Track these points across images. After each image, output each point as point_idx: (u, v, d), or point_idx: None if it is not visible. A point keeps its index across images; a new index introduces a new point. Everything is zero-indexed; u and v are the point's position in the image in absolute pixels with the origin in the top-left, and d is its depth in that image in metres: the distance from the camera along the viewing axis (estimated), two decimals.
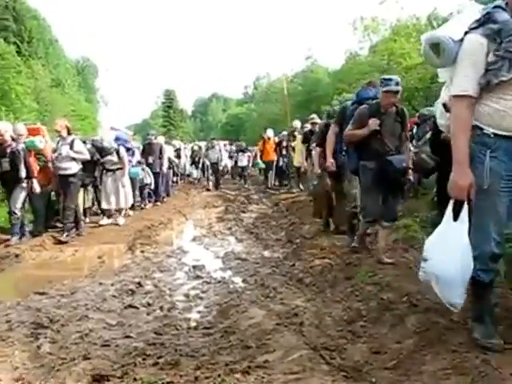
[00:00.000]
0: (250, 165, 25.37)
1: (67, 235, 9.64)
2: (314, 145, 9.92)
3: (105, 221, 11.52)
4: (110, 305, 5.65)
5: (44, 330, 4.68)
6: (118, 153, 11.45)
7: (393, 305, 4.72)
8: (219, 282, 6.71)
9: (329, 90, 35.67)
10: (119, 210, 11.84)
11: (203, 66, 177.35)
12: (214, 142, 22.18)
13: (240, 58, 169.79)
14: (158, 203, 15.47)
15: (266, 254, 8.47)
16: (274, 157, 19.53)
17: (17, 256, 8.31)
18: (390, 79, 6.30)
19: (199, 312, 5.52)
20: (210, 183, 21.76)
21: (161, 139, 17.34)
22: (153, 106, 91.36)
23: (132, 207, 13.18)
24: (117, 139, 11.78)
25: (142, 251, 8.91)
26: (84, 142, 10.97)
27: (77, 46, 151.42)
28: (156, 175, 15.12)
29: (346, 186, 8.13)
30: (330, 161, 7.83)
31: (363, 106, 6.64)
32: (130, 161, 12.30)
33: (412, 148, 6.64)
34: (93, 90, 61.92)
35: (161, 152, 15.52)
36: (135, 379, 3.52)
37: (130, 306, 5.64)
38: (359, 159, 6.63)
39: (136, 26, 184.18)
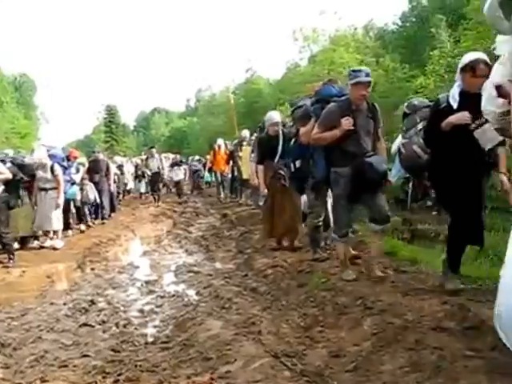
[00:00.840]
0: (186, 178, 25.27)
1: (13, 260, 9.34)
2: (253, 161, 10.03)
3: (48, 242, 10.67)
4: (64, 324, 5.54)
5: None
6: (52, 171, 10.54)
7: (348, 309, 4.81)
8: (173, 295, 6.68)
9: (270, 100, 36.03)
10: (55, 233, 10.79)
11: (144, 80, 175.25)
12: (153, 151, 21.03)
13: (181, 70, 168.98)
14: (105, 220, 14.78)
15: (218, 265, 8.47)
16: (226, 168, 18.40)
17: None
18: (360, 70, 5.87)
19: (155, 326, 5.48)
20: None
21: (101, 156, 16.16)
22: (95, 122, 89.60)
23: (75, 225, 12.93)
24: (51, 156, 10.91)
25: (93, 268, 8.79)
26: (2, 161, 10.23)
27: (12, 61, 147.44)
28: (101, 192, 14.41)
29: (310, 200, 7.29)
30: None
31: (331, 104, 5.91)
32: (67, 180, 11.54)
33: (401, 139, 5.98)
34: (32, 107, 60.50)
35: (107, 169, 15.10)
36: None
37: (85, 324, 5.54)
38: (329, 166, 5.99)
39: (75, 40, 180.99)
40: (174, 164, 23.70)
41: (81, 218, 13.48)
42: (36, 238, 11.02)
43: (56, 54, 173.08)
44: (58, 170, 10.62)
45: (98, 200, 14.28)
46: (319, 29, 28.81)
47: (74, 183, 12.22)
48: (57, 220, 10.65)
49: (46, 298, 6.86)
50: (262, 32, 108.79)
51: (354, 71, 5.88)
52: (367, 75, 5.74)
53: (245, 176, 15.35)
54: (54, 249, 10.35)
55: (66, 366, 4.28)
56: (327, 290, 5.56)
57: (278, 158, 8.19)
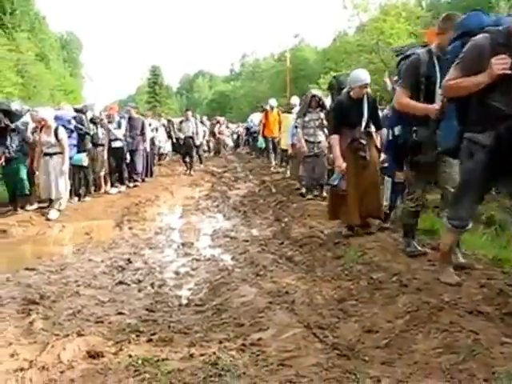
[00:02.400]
0: (205, 141, 23.48)
1: None
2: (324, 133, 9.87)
3: (32, 207, 10.14)
4: (101, 281, 5.66)
5: (35, 306, 4.67)
6: (56, 134, 9.82)
7: (383, 284, 4.77)
8: (209, 259, 6.73)
9: (316, 68, 35.65)
10: (52, 202, 9.91)
11: (190, 42, 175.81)
12: (189, 114, 18.36)
13: (227, 34, 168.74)
14: (138, 184, 14.24)
15: (255, 232, 8.50)
16: (278, 133, 16.05)
17: (4, 232, 8.27)
18: None
19: (190, 289, 5.55)
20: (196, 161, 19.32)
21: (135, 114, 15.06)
22: (138, 82, 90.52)
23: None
24: (56, 119, 10.30)
25: (130, 228, 8.92)
26: None
27: (60, 19, 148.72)
28: (134, 153, 14.00)
29: (409, 178, 5.66)
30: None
31: (479, 36, 4.03)
32: (74, 145, 10.89)
33: None
34: (78, 65, 61.12)
35: (142, 128, 14.38)
36: (130, 356, 3.54)
37: (121, 282, 5.65)
38: (463, 130, 4.32)
39: (122, 0, 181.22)
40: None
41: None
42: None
43: (103, 14, 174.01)
44: (63, 133, 9.97)
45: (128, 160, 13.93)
46: None
47: (83, 150, 11.46)
48: (62, 188, 9.89)
49: (84, 254, 7.00)
50: None
51: None
52: None
53: (283, 146, 14.75)
54: (47, 219, 9.49)
55: (101, 321, 4.37)
56: (363, 264, 5.51)
57: (364, 125, 6.86)
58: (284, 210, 10.04)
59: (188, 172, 18.13)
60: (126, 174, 13.90)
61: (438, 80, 4.92)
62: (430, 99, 5.00)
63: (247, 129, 24.66)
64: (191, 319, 4.45)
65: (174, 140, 20.51)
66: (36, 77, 36.76)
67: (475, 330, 3.47)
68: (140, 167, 14.60)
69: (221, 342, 3.75)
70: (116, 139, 12.99)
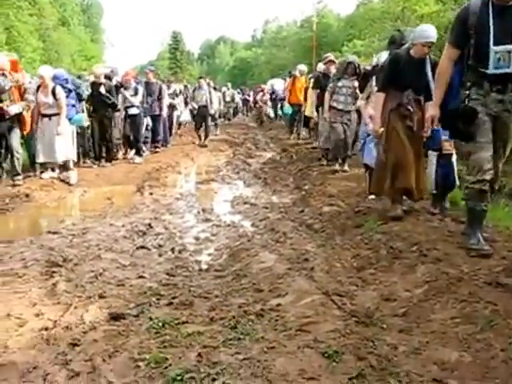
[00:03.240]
0: (222, 107, 22.36)
1: None
2: (368, 93, 8.04)
3: (46, 174, 9.71)
4: (122, 245, 5.71)
5: (58, 269, 4.74)
6: (54, 94, 9.51)
7: (402, 254, 4.77)
8: (229, 225, 6.77)
9: (339, 36, 35.22)
10: (65, 165, 9.91)
11: (211, 7, 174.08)
12: (202, 82, 17.06)
13: (249, 0, 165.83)
14: (158, 150, 14.25)
15: (275, 199, 8.51)
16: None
17: (27, 196, 8.37)
18: None
19: (210, 255, 5.60)
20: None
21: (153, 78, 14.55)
22: (159, 48, 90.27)
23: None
24: (53, 78, 9.87)
25: (151, 193, 8.97)
26: None
27: None
28: (154, 118, 13.79)
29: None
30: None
31: None
32: (72, 105, 10.33)
33: None
34: (99, 31, 60.87)
35: (160, 93, 13.96)
36: (151, 318, 3.61)
37: (142, 247, 5.70)
38: None
39: None
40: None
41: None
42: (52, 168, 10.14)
43: None
44: (61, 92, 9.63)
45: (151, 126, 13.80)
46: None
47: (82, 110, 11.05)
48: (64, 150, 9.65)
49: (105, 218, 7.06)
50: None
51: None
52: None
53: (308, 113, 13.69)
54: (68, 183, 9.61)
55: (122, 284, 4.43)
56: (383, 233, 5.51)
57: (417, 90, 5.93)
58: (305, 177, 10.04)
59: (202, 143, 16.85)
60: (143, 142, 13.36)
61: (492, 33, 4.30)
62: (481, 57, 4.41)
63: (270, 95, 24.10)
64: (211, 284, 4.51)
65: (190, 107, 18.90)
66: (57, 41, 36.75)
67: (493, 301, 3.48)
68: (160, 133, 14.46)
69: (240, 307, 3.80)
70: (132, 106, 12.29)
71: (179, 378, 2.75)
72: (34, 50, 30.65)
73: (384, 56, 7.11)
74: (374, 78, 7.34)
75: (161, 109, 14.02)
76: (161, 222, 6.86)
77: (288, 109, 16.56)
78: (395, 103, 5.96)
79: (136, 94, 12.32)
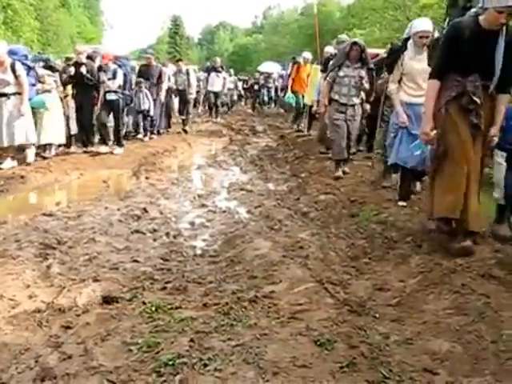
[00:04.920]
0: (225, 91, 20.77)
1: None
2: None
3: (6, 164, 8.89)
4: (117, 229, 5.70)
5: (52, 251, 4.74)
6: (14, 70, 8.71)
7: (397, 244, 4.79)
8: (224, 211, 6.75)
9: (340, 24, 35.09)
10: (23, 147, 9.26)
11: None
12: (180, 64, 15.90)
13: None
14: (154, 136, 13.63)
15: (271, 186, 8.49)
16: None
17: (22, 177, 8.34)
18: None
19: (205, 240, 5.59)
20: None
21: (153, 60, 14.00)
22: (159, 32, 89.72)
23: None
24: (11, 53, 9.02)
25: (147, 178, 8.95)
26: None
27: None
28: (153, 102, 13.13)
29: None
30: None
31: None
32: (32, 85, 9.50)
33: None
34: (98, 12, 60.44)
35: (160, 76, 13.46)
36: (144, 303, 3.61)
37: (137, 231, 5.69)
38: None
39: None
40: (212, 69, 18.90)
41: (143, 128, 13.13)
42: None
43: None
44: (21, 69, 8.82)
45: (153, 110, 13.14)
46: None
47: (46, 90, 10.07)
48: (26, 133, 9.01)
49: (100, 201, 7.04)
50: None
51: None
52: None
53: (308, 102, 13.15)
54: (27, 164, 9.11)
55: (116, 268, 4.43)
56: (378, 223, 5.52)
57: (487, 74, 4.33)
58: (301, 165, 10.02)
59: (183, 129, 15.71)
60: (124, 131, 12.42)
61: None
62: None
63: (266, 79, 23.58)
64: (205, 269, 4.51)
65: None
66: (56, 23, 36.53)
67: (486, 293, 3.51)
68: (158, 117, 13.83)
69: (234, 293, 3.81)
70: (110, 91, 10.98)
71: (171, 362, 2.75)
72: (31, 30, 30.44)
73: (419, 24, 5.99)
74: (405, 54, 6.07)
75: (158, 93, 13.48)
76: (156, 207, 6.84)
77: (291, 98, 15.20)
78: (455, 92, 4.41)
79: (114, 77, 11.00)
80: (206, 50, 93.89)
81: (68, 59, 11.83)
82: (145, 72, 13.24)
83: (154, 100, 13.30)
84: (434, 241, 4.65)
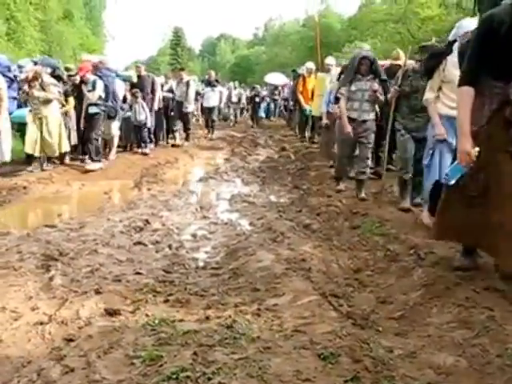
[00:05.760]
0: (222, 105, 20.24)
1: None
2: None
3: None
4: (119, 240, 5.69)
5: (54, 263, 4.72)
6: None
7: (400, 256, 4.78)
8: (226, 223, 6.76)
9: (341, 36, 35.24)
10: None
11: (213, 4, 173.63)
12: (182, 74, 15.14)
13: None
14: (147, 151, 12.82)
15: (273, 198, 8.49)
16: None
17: (24, 188, 8.37)
18: None
19: (207, 252, 5.59)
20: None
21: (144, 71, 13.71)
22: (160, 44, 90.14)
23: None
24: None
25: (149, 189, 8.96)
26: None
27: None
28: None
29: None
30: None
31: None
32: (13, 98, 9.24)
33: None
34: (100, 24, 60.70)
35: (153, 87, 13.24)
36: (147, 315, 3.60)
37: (139, 242, 5.68)
38: None
39: None
40: (207, 84, 17.82)
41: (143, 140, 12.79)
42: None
43: None
44: (1, 82, 8.41)
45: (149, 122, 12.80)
46: None
47: (20, 104, 9.76)
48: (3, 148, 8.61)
49: (102, 213, 7.05)
50: None
51: None
52: None
53: (314, 113, 12.80)
54: None
55: (119, 280, 4.42)
56: (380, 235, 5.52)
57: None
58: (303, 177, 10.03)
59: (181, 142, 15.12)
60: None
61: None
62: None
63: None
64: (208, 282, 4.50)
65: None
66: (59, 34, 36.69)
67: (490, 306, 3.47)
68: (146, 134, 12.96)
69: (236, 306, 3.80)
70: (91, 104, 10.54)
71: (174, 376, 2.74)
72: (33, 42, 30.59)
73: (468, 24, 5.15)
74: (448, 59, 5.37)
75: (152, 103, 13.20)
76: (158, 218, 6.84)
77: (308, 110, 14.23)
78: (495, 102, 3.75)
79: (94, 89, 10.53)
80: (207, 61, 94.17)
81: (67, 69, 11.69)
82: (138, 83, 13.04)
83: (150, 110, 12.96)
84: (437, 254, 4.64)
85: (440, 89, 5.51)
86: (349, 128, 7.42)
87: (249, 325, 3.42)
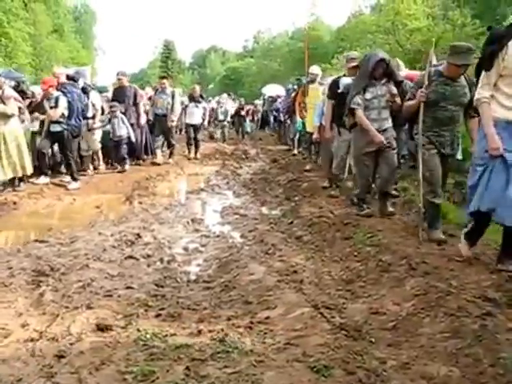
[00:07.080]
0: (206, 123, 18.81)
1: None
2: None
3: None
4: (110, 255, 5.66)
5: (45, 278, 4.71)
6: None
7: (391, 267, 4.77)
8: (218, 236, 6.74)
9: (330, 47, 35.44)
10: None
11: (203, 17, 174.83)
12: (165, 83, 13.98)
13: (241, 10, 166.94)
14: (126, 167, 12.30)
15: (265, 210, 8.47)
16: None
17: (14, 203, 8.32)
18: None
19: (199, 265, 5.57)
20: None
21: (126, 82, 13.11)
22: (150, 56, 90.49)
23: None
24: None
25: (140, 202, 8.91)
26: None
27: None
28: (131, 127, 12.31)
29: None
30: None
31: None
32: None
33: None
34: (90, 37, 60.77)
35: (135, 98, 12.54)
36: (138, 330, 3.58)
37: (130, 256, 5.65)
38: None
39: None
40: (191, 99, 15.96)
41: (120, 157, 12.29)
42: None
43: None
44: None
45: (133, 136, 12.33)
46: None
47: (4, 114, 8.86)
48: None
49: (94, 227, 7.01)
50: None
51: None
52: None
53: (309, 128, 11.97)
54: None
55: (110, 295, 4.40)
56: (372, 245, 5.51)
57: None
58: (294, 188, 10.00)
59: (167, 160, 14.21)
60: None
61: None
62: None
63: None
64: (199, 295, 4.49)
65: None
66: (49, 48, 36.77)
67: (482, 315, 3.48)
68: (138, 144, 12.89)
69: (229, 319, 3.79)
70: (54, 121, 9.88)
71: None
72: (24, 56, 30.69)
73: None
74: (510, 45, 4.18)
75: (137, 117, 12.74)
76: (149, 232, 6.81)
77: (299, 125, 13.80)
78: None
79: (56, 105, 9.83)
80: (197, 73, 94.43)
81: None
82: (119, 94, 12.51)
83: (132, 124, 12.45)
84: (429, 264, 4.65)
85: (495, 85, 4.32)
86: (381, 137, 6.43)
87: (241, 338, 3.41)
